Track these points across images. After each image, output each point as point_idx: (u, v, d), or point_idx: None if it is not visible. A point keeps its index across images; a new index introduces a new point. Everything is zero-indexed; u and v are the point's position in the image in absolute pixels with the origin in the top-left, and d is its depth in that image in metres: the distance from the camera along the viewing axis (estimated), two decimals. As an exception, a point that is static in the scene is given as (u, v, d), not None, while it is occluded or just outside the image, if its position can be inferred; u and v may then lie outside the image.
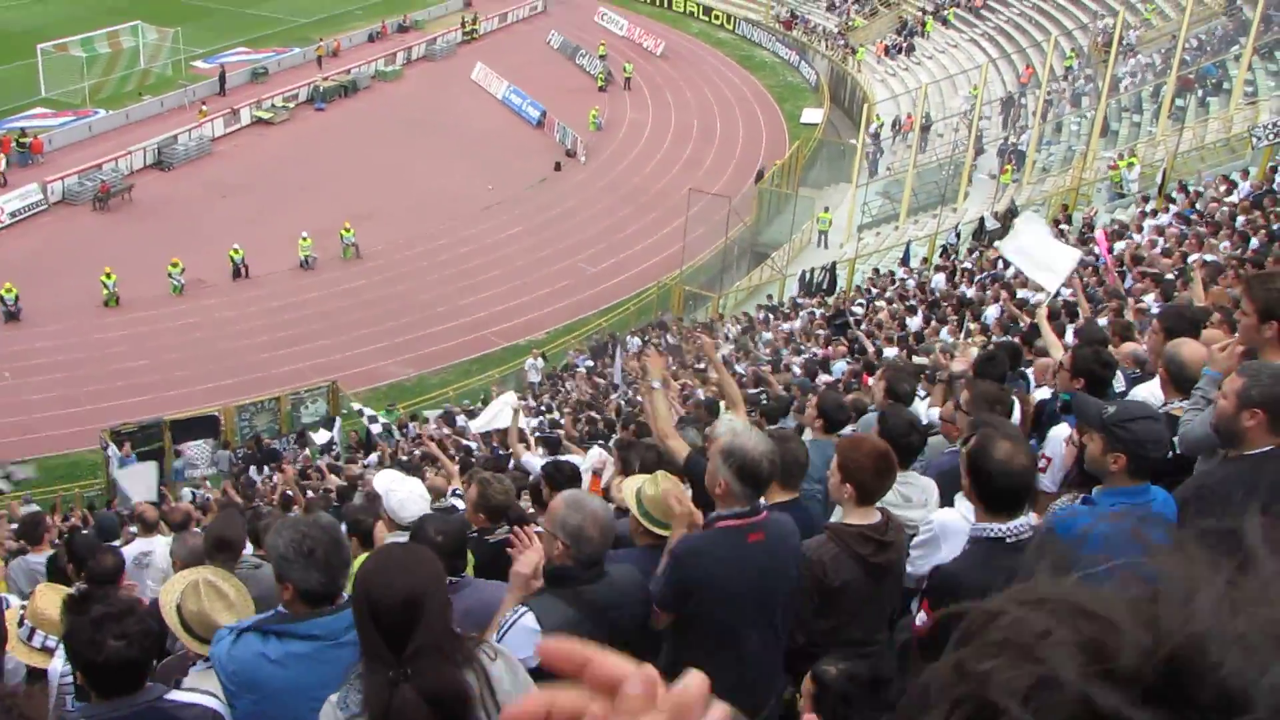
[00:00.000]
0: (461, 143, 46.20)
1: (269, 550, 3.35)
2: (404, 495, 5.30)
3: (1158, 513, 3.65)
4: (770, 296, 31.56)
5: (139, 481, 11.89)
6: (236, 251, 35.59)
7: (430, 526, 4.30)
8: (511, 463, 13.49)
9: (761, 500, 4.02)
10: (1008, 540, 3.60)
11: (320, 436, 21.69)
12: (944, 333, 15.81)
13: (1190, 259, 13.79)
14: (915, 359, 12.26)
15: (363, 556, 4.89)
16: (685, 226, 34.64)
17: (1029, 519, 3.67)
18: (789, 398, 12.13)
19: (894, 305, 21.15)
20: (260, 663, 3.19)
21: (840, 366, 15.47)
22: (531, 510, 7.40)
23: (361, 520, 5.79)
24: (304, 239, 36.52)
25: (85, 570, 5.84)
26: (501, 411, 13.62)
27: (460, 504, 8.04)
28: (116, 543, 9.19)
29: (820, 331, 21.17)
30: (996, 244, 11.37)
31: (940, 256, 28.36)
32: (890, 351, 14.76)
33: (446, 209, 41.00)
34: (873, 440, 4.32)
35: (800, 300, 28.10)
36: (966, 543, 3.80)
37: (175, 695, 3.41)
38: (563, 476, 6.77)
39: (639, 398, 19.45)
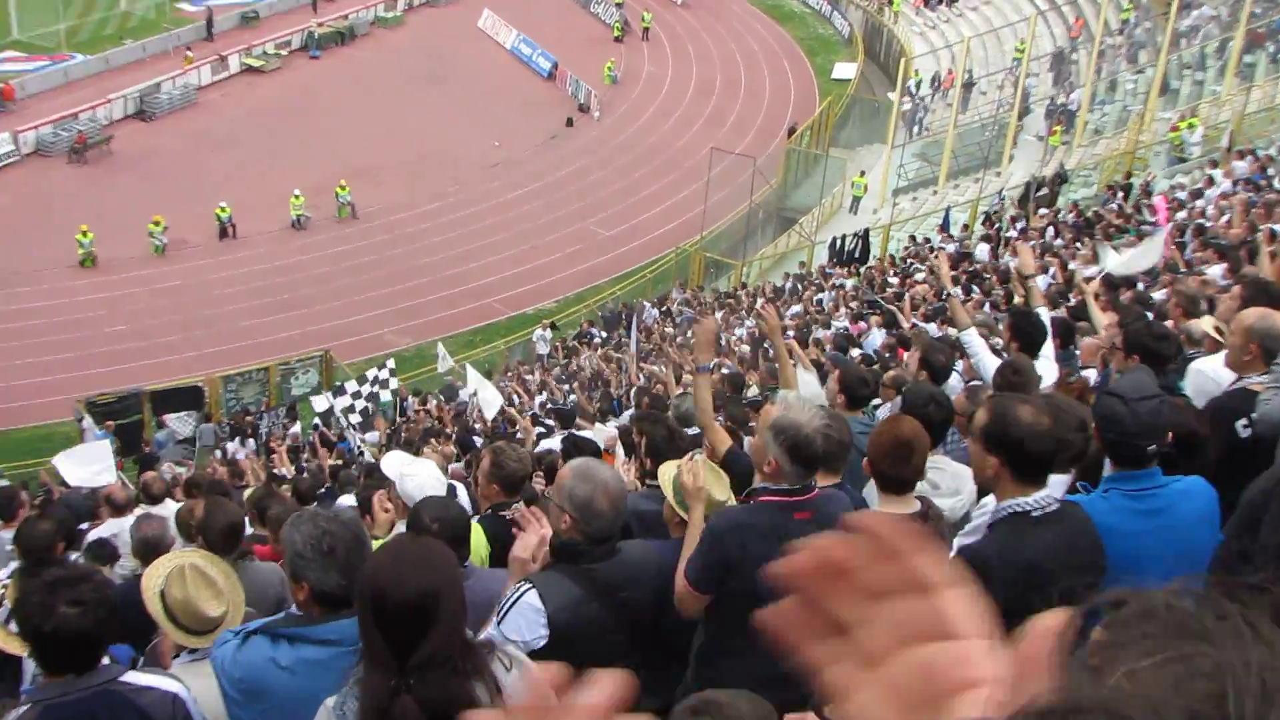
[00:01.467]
0: (466, 96, 46.06)
1: (285, 545, 3.30)
2: (422, 480, 5.26)
3: (1195, 575, 3.55)
4: (802, 264, 31.41)
5: (83, 464, 11.35)
6: (223, 210, 35.58)
7: (425, 514, 4.20)
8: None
9: (813, 481, 4.00)
10: (1033, 514, 3.57)
11: (320, 403, 21.80)
12: (986, 307, 15.72)
13: (1259, 229, 13.61)
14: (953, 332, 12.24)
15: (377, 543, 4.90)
16: (706, 189, 34.49)
17: (1052, 490, 3.67)
18: (820, 374, 12.09)
19: (932, 277, 21.06)
20: (270, 669, 3.14)
21: (876, 339, 15.42)
22: (545, 492, 7.40)
23: (369, 500, 5.72)
24: (296, 197, 36.52)
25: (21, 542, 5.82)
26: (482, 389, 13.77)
27: (461, 486, 8.10)
28: (85, 525, 9.21)
29: (852, 304, 21.07)
30: (1105, 268, 11.51)
31: (983, 224, 28.18)
32: (929, 328, 14.69)
33: (449, 167, 40.91)
34: (895, 424, 4.30)
35: (831, 270, 28.00)
36: (987, 524, 3.77)
37: (133, 677, 3.34)
38: (582, 453, 6.77)
39: (658, 368, 19.43)
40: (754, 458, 4.03)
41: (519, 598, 3.55)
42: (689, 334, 25.04)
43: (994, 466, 3.63)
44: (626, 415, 12.59)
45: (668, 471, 4.55)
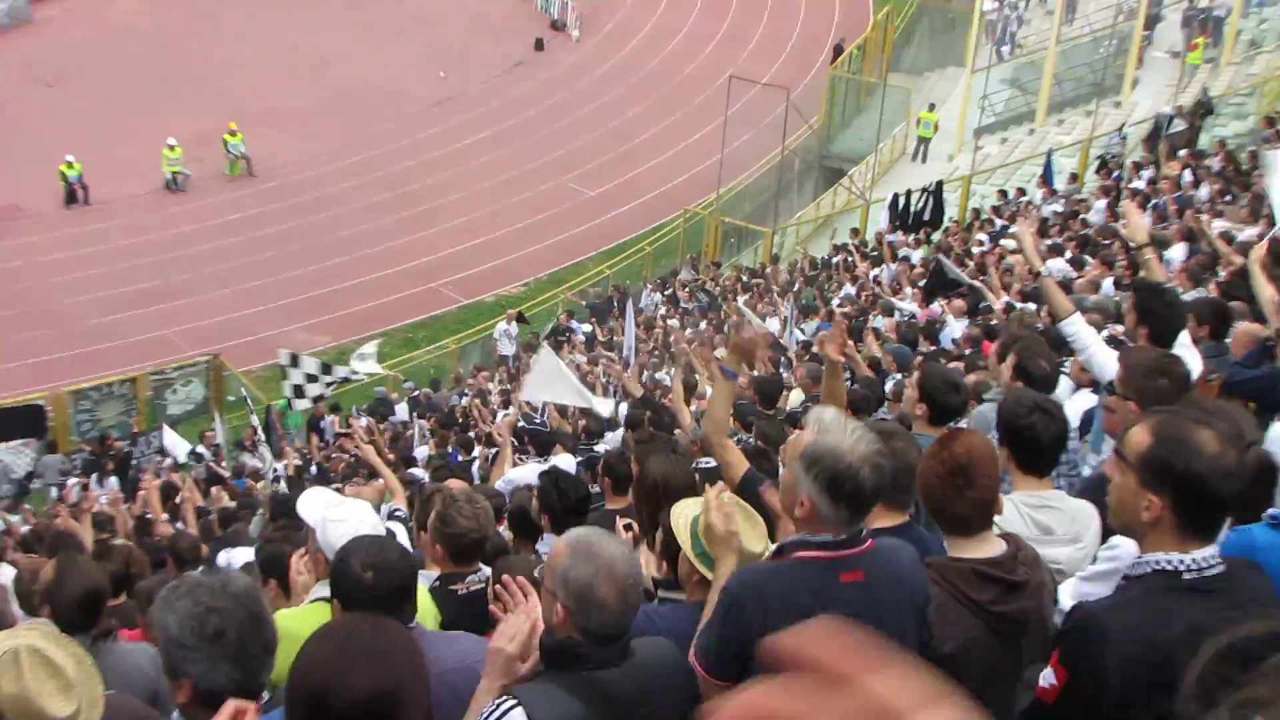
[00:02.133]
0: (402, 13, 46.13)
1: (156, 629, 3.29)
2: (349, 528, 5.22)
3: None
4: (855, 232, 31.49)
5: None
6: (70, 166, 35.66)
7: (356, 559, 4.20)
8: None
9: (863, 527, 3.97)
10: (1185, 575, 3.51)
11: (175, 444, 21.90)
12: (1107, 284, 15.72)
13: None
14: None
15: (284, 613, 4.85)
16: (724, 132, 34.56)
17: (1213, 548, 3.58)
18: (878, 377, 12.07)
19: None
20: None
21: (955, 329, 15.45)
22: (513, 543, 7.38)
23: (284, 556, 5.73)
24: (170, 148, 36.65)
25: None
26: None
27: (400, 529, 8.05)
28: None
29: (921, 282, 21.09)
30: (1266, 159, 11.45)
31: (1097, 172, 28.20)
32: (1026, 311, 14.71)
33: (379, 107, 41.07)
34: (947, 444, 4.32)
35: (892, 237, 28.04)
36: (1121, 574, 3.76)
37: None
38: (566, 500, 6.78)
39: (661, 375, 19.39)
40: (783, 498, 4.00)
41: (501, 718, 3.49)
42: (703, 330, 25.11)
43: (1155, 509, 3.55)
44: (618, 435, 12.62)
45: (684, 512, 4.58)
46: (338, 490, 9.58)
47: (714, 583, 4.23)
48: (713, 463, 8.01)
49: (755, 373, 16.69)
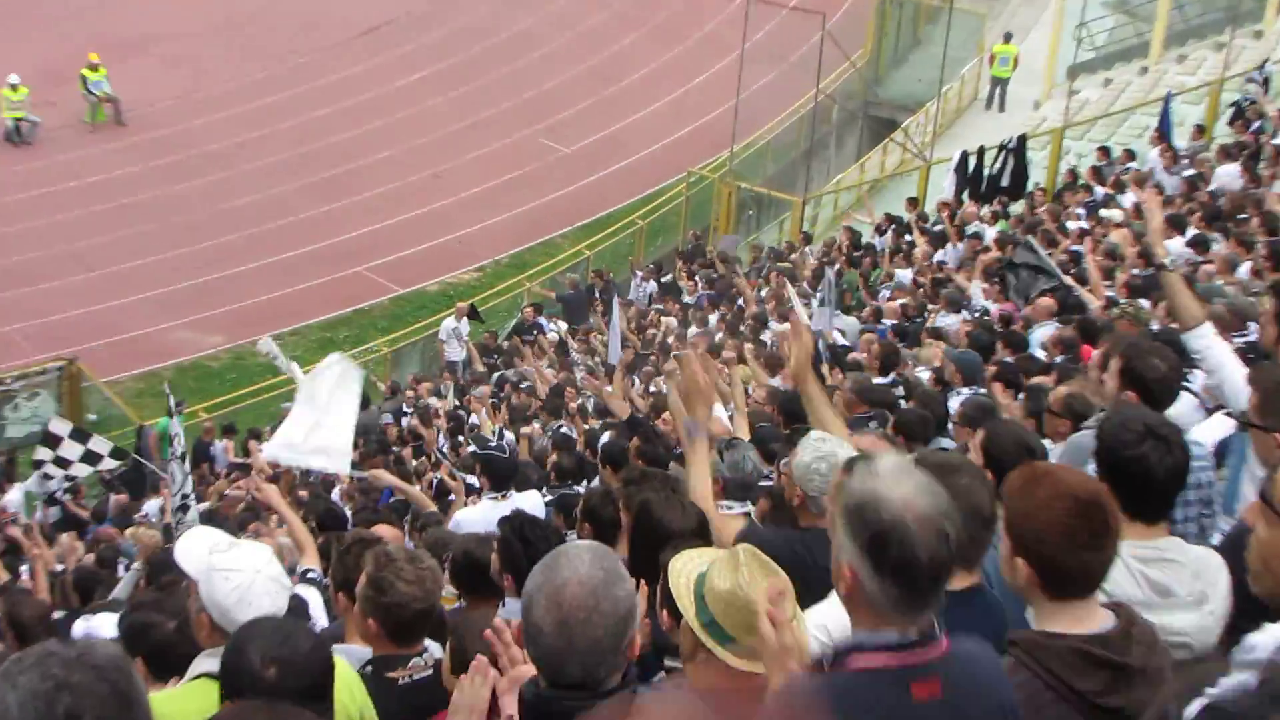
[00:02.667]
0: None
1: None
2: (245, 582, 5.32)
3: None
4: (912, 201, 31.45)
5: None
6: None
7: (254, 650, 4.24)
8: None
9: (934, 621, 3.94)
10: None
11: (11, 496, 21.90)
12: (1243, 269, 15.73)
13: None
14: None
15: (164, 696, 4.83)
16: (740, 70, 34.53)
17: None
18: (939, 394, 12.02)
19: (1138, 221, 21.05)
20: None
21: (1042, 330, 15.41)
22: (459, 605, 7.36)
23: (155, 627, 5.76)
24: (12, 88, 36.73)
25: None
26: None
27: (314, 595, 7.97)
28: None
29: (999, 269, 21.08)
30: None
31: (1231, 124, 28.19)
32: (1140, 309, 14.68)
33: (286, 36, 41.17)
34: (1067, 478, 4.33)
35: (959, 208, 28.03)
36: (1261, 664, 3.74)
37: None
38: (535, 553, 6.72)
39: (657, 388, 19.32)
40: (833, 566, 3.98)
41: None
42: (712, 328, 25.08)
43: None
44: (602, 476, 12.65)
45: (687, 568, 4.61)
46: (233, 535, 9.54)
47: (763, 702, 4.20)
48: (734, 508, 8.04)
49: (777, 383, 16.68)
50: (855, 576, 3.79)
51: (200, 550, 5.55)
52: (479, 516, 10.47)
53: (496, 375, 27.46)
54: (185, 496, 15.57)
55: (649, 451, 10.75)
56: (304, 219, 34.85)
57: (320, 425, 12.29)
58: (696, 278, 30.18)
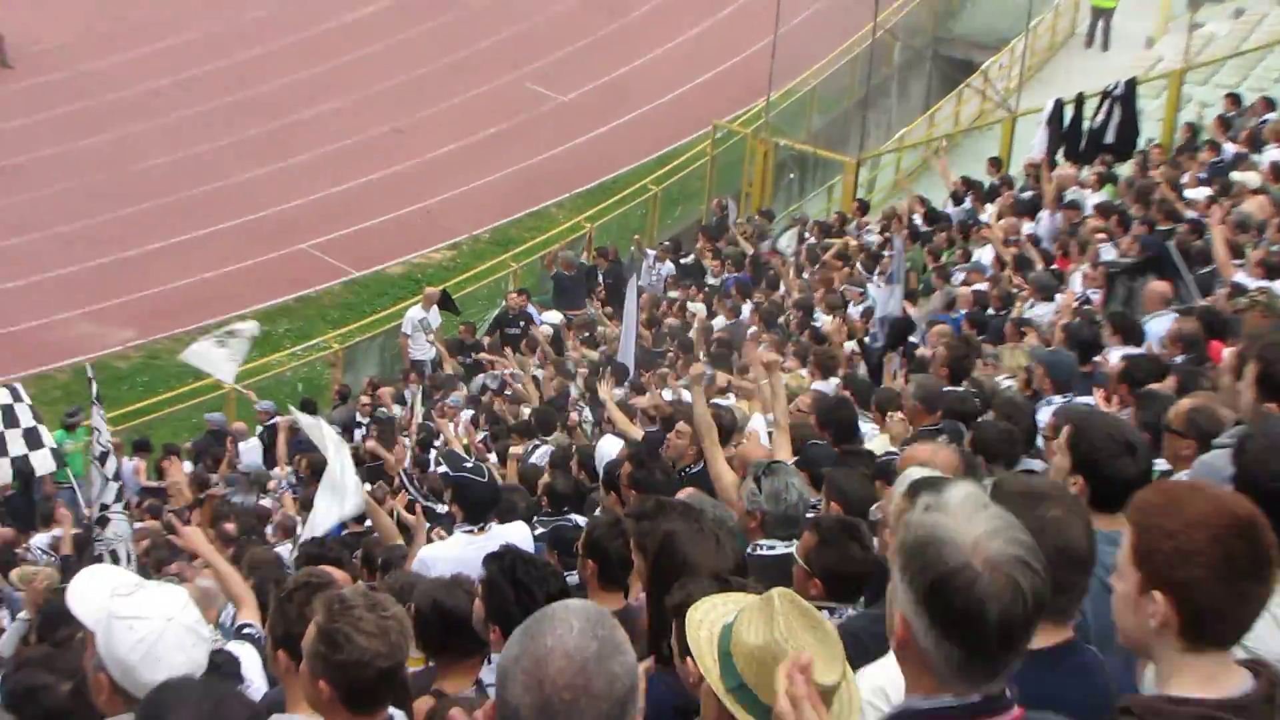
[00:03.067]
0: None
1: None
2: (150, 629, 5.32)
3: None
4: (994, 162, 31.44)
5: None
6: None
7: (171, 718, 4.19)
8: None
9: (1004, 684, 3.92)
10: None
11: None
12: None
13: None
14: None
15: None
16: (778, 1, 34.63)
17: None
18: (1027, 403, 12.00)
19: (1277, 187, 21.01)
20: None
21: (1159, 324, 15.37)
22: (428, 667, 7.33)
23: (44, 691, 5.80)
24: None
25: None
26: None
27: (249, 654, 7.96)
28: None
29: (1103, 250, 21.08)
30: None
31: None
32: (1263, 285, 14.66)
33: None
34: (1220, 494, 4.32)
35: (1056, 171, 28.01)
36: None
37: None
38: (530, 600, 6.69)
39: (675, 394, 19.30)
40: (888, 610, 3.97)
41: None
42: (744, 321, 25.02)
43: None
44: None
45: (708, 619, 4.60)
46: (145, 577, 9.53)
47: None
48: (776, 548, 8.03)
49: (828, 389, 16.63)
50: (909, 629, 3.83)
51: (99, 594, 5.52)
52: (450, 554, 10.40)
53: (477, 380, 27.41)
54: (106, 508, 15.50)
55: (645, 479, 10.58)
56: (234, 184, 35.01)
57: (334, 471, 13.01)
58: (724, 258, 30.15)
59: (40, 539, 20.76)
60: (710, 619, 4.55)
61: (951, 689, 3.83)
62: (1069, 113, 29.40)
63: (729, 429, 13.54)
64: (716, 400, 17.50)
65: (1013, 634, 3.79)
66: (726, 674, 4.41)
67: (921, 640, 3.80)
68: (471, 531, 10.90)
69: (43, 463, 22.24)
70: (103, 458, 15.56)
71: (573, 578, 8.53)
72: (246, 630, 8.29)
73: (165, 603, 5.46)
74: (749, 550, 7.90)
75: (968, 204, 28.28)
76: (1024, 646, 3.85)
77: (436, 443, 22.49)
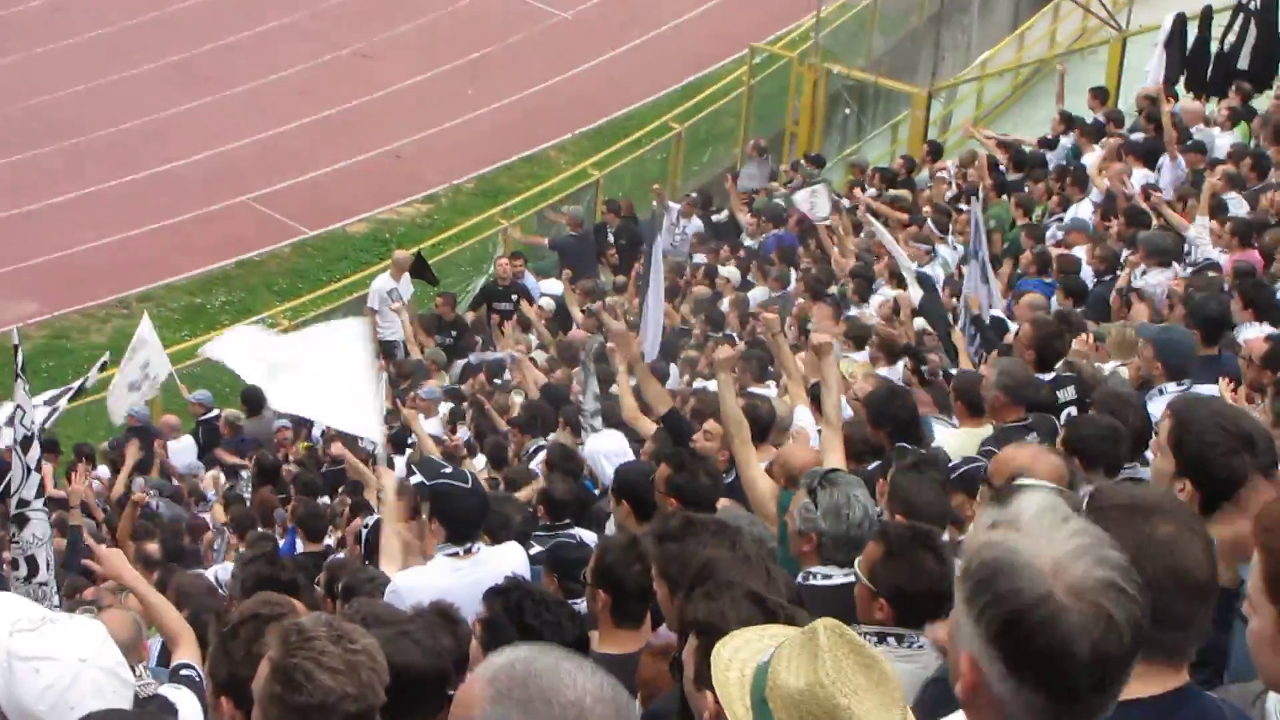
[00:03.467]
0: None
1: None
2: (61, 672, 5.38)
3: None
4: (1099, 93, 31.40)
5: None
6: None
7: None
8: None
9: None
10: None
11: None
12: None
13: None
14: None
15: None
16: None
17: None
18: (1136, 394, 12.02)
19: None
20: None
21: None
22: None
23: None
24: None
25: None
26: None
27: (183, 699, 8.02)
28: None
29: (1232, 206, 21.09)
30: None
31: None
32: None
33: None
34: None
35: (1178, 104, 27.99)
36: None
37: None
38: (538, 640, 6.79)
39: (701, 381, 19.23)
40: (949, 650, 4.03)
41: None
42: (791, 292, 25.02)
43: None
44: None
45: (739, 657, 4.66)
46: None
47: None
48: (834, 577, 8.00)
49: (882, 369, 16.63)
50: (979, 673, 3.84)
51: None
52: (431, 584, 10.00)
53: (460, 364, 27.33)
54: (25, 505, 15.38)
55: (687, 487, 10.34)
56: (157, 121, 35.06)
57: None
58: (758, 211, 30.08)
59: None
60: (742, 657, 4.62)
61: None
62: (1192, 32, 29.36)
63: (766, 425, 13.52)
64: (752, 389, 17.55)
65: (1106, 675, 3.82)
66: (759, 712, 4.47)
67: (995, 687, 3.81)
68: (456, 554, 10.67)
69: None
70: (25, 443, 15.38)
71: (578, 605, 8.52)
72: (184, 672, 8.31)
73: (79, 640, 5.50)
74: (800, 579, 7.84)
75: (1067, 142, 28.17)
76: (1118, 690, 3.87)
77: (411, 442, 22.43)
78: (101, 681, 5.41)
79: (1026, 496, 3.90)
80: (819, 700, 4.36)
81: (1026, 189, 26.46)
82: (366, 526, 15.61)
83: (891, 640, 6.61)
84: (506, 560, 10.53)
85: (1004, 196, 26.35)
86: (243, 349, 15.72)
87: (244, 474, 23.36)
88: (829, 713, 4.33)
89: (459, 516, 10.95)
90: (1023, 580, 3.76)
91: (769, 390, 17.56)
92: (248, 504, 21.79)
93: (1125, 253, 20.47)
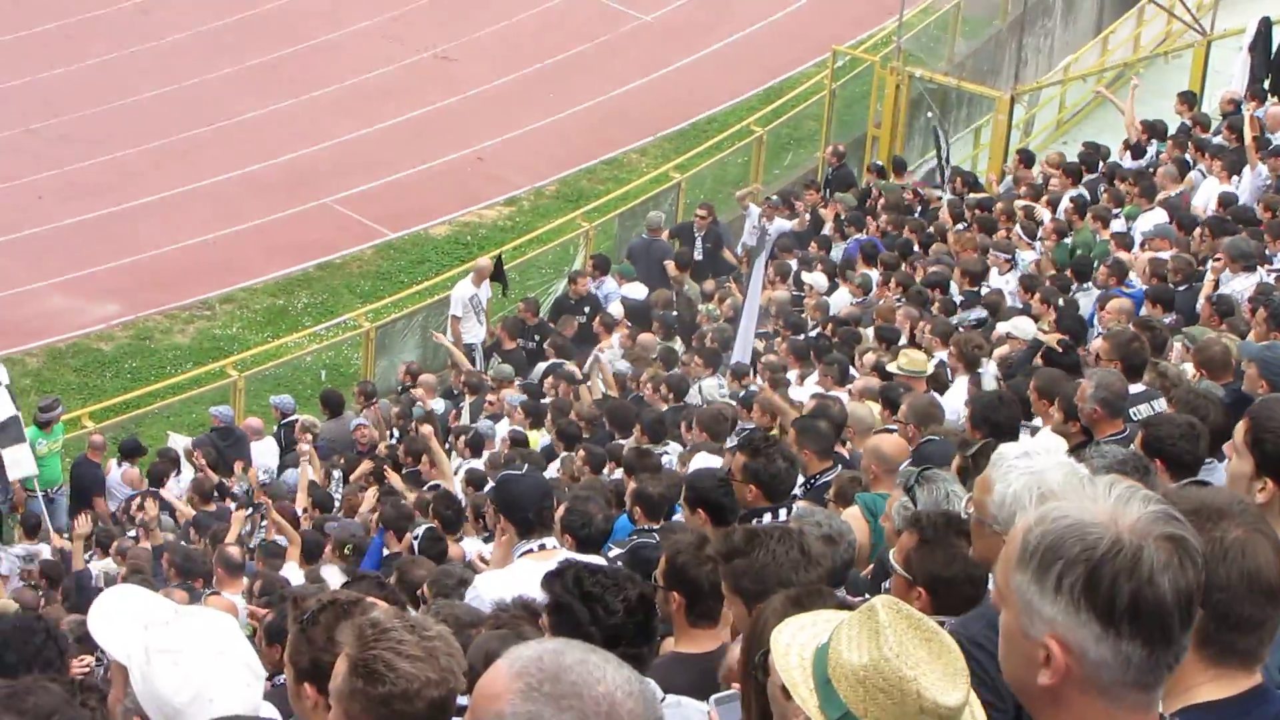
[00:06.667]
0: None
1: None
2: (194, 665, 5.45)
3: None
4: (1186, 98, 31.18)
5: None
6: None
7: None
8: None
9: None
10: None
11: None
12: None
13: None
14: None
15: None
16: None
17: None
18: (1217, 394, 11.97)
19: None
20: None
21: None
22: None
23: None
24: None
25: None
26: None
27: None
28: None
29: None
30: None
31: None
32: None
33: None
34: None
35: (1261, 111, 27.77)
36: None
37: None
38: (607, 628, 6.89)
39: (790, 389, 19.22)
40: (1006, 664, 4.04)
41: None
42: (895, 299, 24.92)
43: None
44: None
45: (795, 641, 4.71)
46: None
47: None
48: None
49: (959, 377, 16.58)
50: (1073, 651, 3.84)
51: (130, 623, 5.61)
52: (512, 581, 10.03)
53: (544, 366, 27.08)
54: None
55: (764, 471, 10.36)
56: (240, 123, 35.15)
57: None
58: (843, 217, 29.90)
59: (17, 550, 21.00)
60: (799, 641, 4.65)
61: (1125, 702, 3.89)
62: (1278, 35, 29.22)
63: (837, 427, 13.54)
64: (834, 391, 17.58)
65: (1190, 607, 3.86)
66: (828, 704, 4.50)
67: (1091, 654, 3.84)
68: (531, 551, 10.59)
69: (17, 463, 22.48)
70: None
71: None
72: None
73: (214, 633, 5.59)
74: None
75: (1152, 153, 27.99)
76: (1191, 629, 3.92)
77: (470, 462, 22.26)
78: (237, 673, 5.50)
79: (1050, 472, 3.93)
80: (884, 675, 4.42)
81: (1102, 191, 26.33)
82: (417, 538, 15.72)
83: None
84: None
85: (1085, 219, 25.99)
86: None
87: (335, 473, 23.33)
88: (896, 685, 4.38)
89: (519, 501, 10.89)
90: (1090, 535, 3.82)
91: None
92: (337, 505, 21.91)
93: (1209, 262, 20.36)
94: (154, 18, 37.51)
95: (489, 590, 10.24)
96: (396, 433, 24.47)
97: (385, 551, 17.13)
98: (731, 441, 16.20)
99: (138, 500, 22.65)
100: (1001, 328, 20.03)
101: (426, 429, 20.66)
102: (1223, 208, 22.62)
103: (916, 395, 15.12)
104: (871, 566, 9.99)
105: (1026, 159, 31.17)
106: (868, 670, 4.44)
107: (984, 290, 23.00)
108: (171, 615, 5.62)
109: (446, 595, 11.61)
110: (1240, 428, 6.64)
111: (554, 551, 10.52)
